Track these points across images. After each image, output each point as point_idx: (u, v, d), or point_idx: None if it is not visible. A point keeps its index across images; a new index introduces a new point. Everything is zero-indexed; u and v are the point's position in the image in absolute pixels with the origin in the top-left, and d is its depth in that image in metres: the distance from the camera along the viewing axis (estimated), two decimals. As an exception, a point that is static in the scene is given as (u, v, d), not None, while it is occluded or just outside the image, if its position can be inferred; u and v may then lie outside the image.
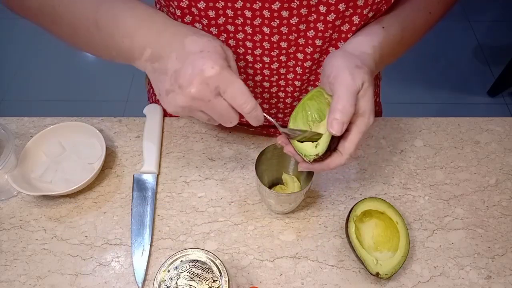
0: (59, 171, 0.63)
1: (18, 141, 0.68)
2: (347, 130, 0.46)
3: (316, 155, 0.45)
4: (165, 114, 0.73)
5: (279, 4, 0.48)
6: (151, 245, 0.58)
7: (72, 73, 1.95)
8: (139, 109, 0.72)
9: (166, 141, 0.69)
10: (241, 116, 0.47)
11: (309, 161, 0.46)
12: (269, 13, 0.49)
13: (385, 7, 0.51)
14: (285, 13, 0.49)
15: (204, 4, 0.48)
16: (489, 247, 0.58)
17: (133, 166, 0.66)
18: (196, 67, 0.43)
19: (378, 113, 0.83)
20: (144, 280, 0.55)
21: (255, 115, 0.46)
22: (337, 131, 0.43)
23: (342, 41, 0.53)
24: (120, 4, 0.48)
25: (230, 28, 0.51)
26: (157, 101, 0.76)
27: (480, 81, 1.90)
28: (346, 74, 0.45)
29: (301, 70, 0.56)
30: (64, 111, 1.76)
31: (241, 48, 0.54)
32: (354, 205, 0.56)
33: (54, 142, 0.65)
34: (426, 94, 1.87)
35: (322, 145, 0.46)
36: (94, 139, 0.65)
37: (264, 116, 0.48)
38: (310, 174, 0.55)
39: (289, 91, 0.60)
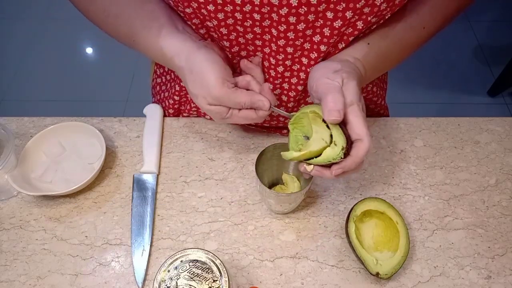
0: (59, 171, 0.63)
1: (18, 141, 0.68)
2: (346, 123, 0.47)
3: (343, 148, 0.45)
4: (165, 114, 0.73)
5: (287, 10, 0.48)
6: (151, 245, 0.58)
7: (72, 73, 1.95)
8: (139, 109, 0.72)
9: (166, 141, 0.69)
10: None
11: (341, 158, 0.45)
12: (277, 17, 0.49)
13: (389, 14, 0.51)
14: (292, 19, 0.49)
15: (214, 7, 0.49)
16: (489, 247, 0.58)
17: (133, 166, 0.66)
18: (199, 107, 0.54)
19: (384, 115, 0.82)
20: (144, 280, 0.55)
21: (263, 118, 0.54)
22: (336, 116, 0.44)
23: (343, 42, 0.53)
24: (144, 50, 0.57)
25: (240, 28, 0.52)
26: (159, 101, 0.76)
27: (480, 81, 1.90)
28: (324, 79, 0.48)
29: (304, 75, 0.57)
30: (64, 111, 1.76)
31: (250, 45, 0.55)
32: (354, 205, 0.56)
33: (54, 142, 0.65)
34: (426, 94, 1.87)
35: (338, 138, 0.46)
36: (94, 139, 0.65)
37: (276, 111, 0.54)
38: (310, 174, 0.55)
39: (292, 95, 0.60)
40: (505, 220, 0.61)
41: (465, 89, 1.89)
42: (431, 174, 0.66)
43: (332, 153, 0.46)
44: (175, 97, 0.70)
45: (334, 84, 0.47)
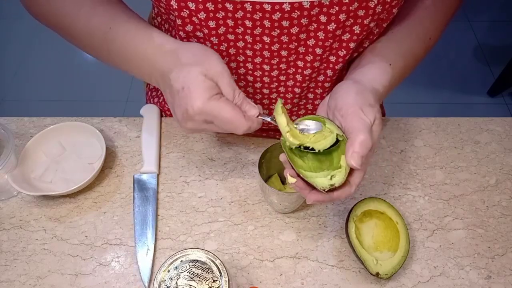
0: (59, 171, 0.63)
1: (18, 141, 0.68)
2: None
3: (332, 185, 0.44)
4: (162, 114, 0.73)
5: (280, 14, 0.48)
6: (155, 245, 0.58)
7: (72, 73, 1.95)
8: (139, 109, 0.72)
9: (166, 141, 0.69)
10: None
11: (323, 190, 0.44)
12: (269, 23, 0.49)
13: (386, 15, 0.51)
14: (285, 23, 0.49)
15: (205, 14, 0.48)
16: (489, 247, 0.58)
17: (133, 166, 0.66)
18: (182, 107, 0.47)
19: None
20: (150, 279, 0.55)
21: (251, 130, 0.48)
22: (358, 165, 0.42)
23: (343, 49, 0.53)
24: (124, 36, 0.52)
25: (231, 37, 0.51)
26: (154, 103, 0.76)
27: (480, 81, 1.90)
28: (360, 111, 0.45)
29: (301, 77, 0.56)
30: (64, 111, 1.76)
31: (241, 56, 0.54)
32: (354, 205, 0.56)
33: (54, 142, 0.65)
34: (426, 94, 1.87)
35: (339, 177, 0.44)
36: (94, 139, 0.65)
37: (268, 120, 0.48)
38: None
39: (289, 97, 0.60)
40: (505, 220, 0.61)
41: (465, 89, 1.89)
42: (431, 174, 0.66)
43: (321, 183, 0.45)
44: None
45: (366, 123, 0.44)
